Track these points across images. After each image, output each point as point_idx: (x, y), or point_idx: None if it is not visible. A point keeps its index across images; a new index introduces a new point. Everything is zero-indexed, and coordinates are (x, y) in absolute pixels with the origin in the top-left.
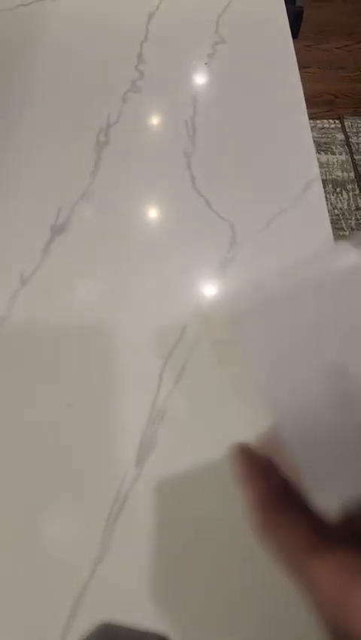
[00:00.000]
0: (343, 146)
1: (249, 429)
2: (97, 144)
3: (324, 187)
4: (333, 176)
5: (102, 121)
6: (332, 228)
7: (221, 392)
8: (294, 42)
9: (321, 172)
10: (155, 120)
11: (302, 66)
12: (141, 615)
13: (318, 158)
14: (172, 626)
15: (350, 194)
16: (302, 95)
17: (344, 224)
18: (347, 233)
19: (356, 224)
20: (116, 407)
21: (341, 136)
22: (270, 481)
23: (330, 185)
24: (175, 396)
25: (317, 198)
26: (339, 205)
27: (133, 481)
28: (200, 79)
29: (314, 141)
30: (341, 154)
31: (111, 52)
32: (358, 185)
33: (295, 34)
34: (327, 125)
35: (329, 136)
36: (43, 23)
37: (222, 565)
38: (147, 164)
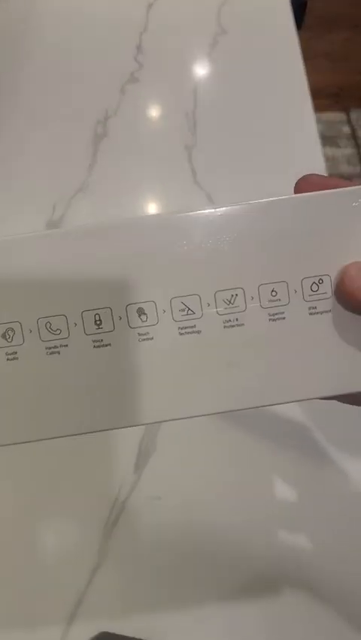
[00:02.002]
0: (349, 140)
1: (251, 434)
2: (94, 137)
3: None
4: (339, 171)
5: (100, 113)
6: None
7: None
8: (298, 33)
9: (326, 166)
10: (154, 112)
11: (306, 58)
12: (138, 624)
13: (323, 152)
14: (170, 635)
15: None
16: (307, 87)
17: None
18: None
19: None
20: None
21: (347, 129)
22: None
23: None
24: None
25: None
26: None
27: (131, 488)
28: (201, 70)
29: (319, 134)
30: (346, 147)
31: (110, 43)
32: None
33: (298, 24)
34: (333, 118)
35: (335, 129)
36: (41, 14)
37: (221, 573)
38: (147, 157)
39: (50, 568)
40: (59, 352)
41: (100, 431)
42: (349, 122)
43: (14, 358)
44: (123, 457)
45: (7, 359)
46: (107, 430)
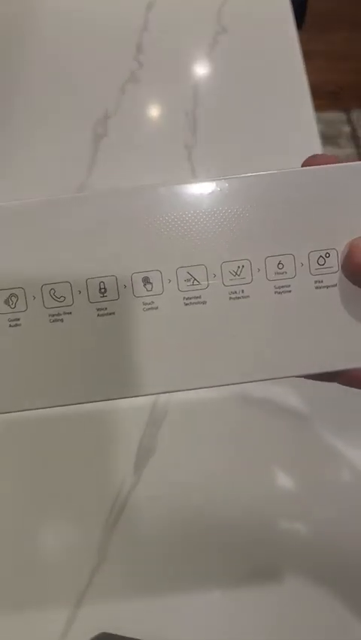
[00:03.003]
0: (349, 140)
1: (252, 433)
2: (94, 137)
3: None
4: None
5: (99, 113)
6: None
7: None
8: (298, 33)
9: None
10: (154, 112)
11: (306, 57)
12: (139, 624)
13: (324, 152)
14: (171, 635)
15: None
16: (307, 86)
17: None
18: None
19: None
20: (114, 411)
21: (347, 129)
22: None
23: None
24: (175, 401)
25: None
26: None
27: (132, 487)
28: (201, 69)
29: (320, 134)
30: (347, 147)
31: (109, 42)
32: None
33: (299, 24)
34: (333, 118)
35: (335, 129)
36: (41, 13)
37: (222, 572)
38: (146, 156)
39: (50, 568)
40: (62, 320)
41: (101, 401)
42: (349, 121)
43: (16, 325)
44: (123, 457)
45: (10, 325)
46: (109, 399)
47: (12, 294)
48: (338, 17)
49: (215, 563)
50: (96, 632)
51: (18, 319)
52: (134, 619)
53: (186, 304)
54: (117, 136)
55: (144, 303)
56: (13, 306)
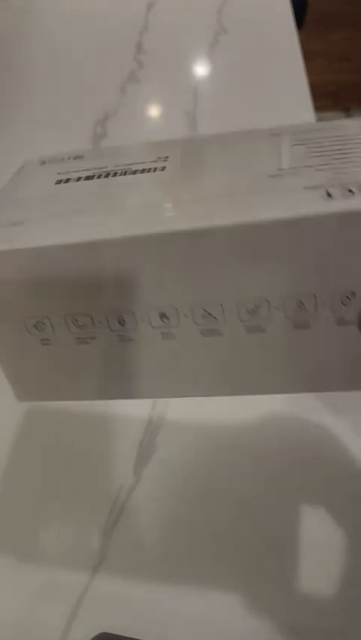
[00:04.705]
0: None
1: (252, 433)
2: (94, 136)
3: None
4: None
5: (99, 112)
6: None
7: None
8: (298, 33)
9: None
10: (154, 112)
11: (306, 57)
12: (139, 624)
13: None
14: (171, 636)
15: None
16: (307, 86)
17: None
18: None
19: None
20: (114, 412)
21: None
22: None
23: None
24: (175, 401)
25: None
26: None
27: (131, 489)
28: (201, 69)
29: None
30: None
31: (109, 42)
32: None
33: (299, 24)
34: (333, 118)
35: None
36: (41, 13)
37: (222, 573)
38: None
39: (50, 568)
40: (87, 342)
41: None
42: None
43: (47, 344)
44: (123, 458)
45: (42, 344)
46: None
47: (39, 322)
48: (338, 17)
49: (215, 563)
50: (96, 632)
51: (48, 339)
52: (134, 619)
53: (204, 335)
54: (117, 136)
55: (162, 332)
56: (41, 330)
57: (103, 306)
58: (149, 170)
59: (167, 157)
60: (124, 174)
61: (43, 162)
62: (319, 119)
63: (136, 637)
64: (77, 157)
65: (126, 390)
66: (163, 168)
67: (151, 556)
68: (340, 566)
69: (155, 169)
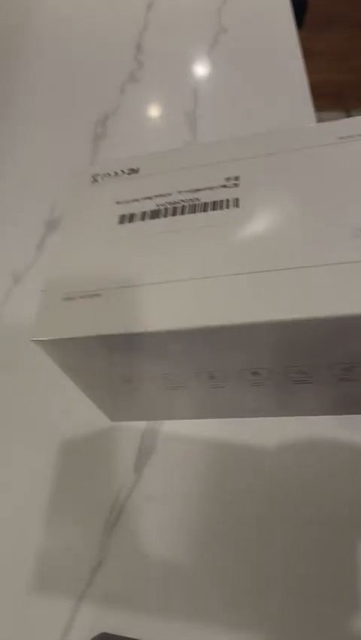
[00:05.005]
0: None
1: (252, 432)
2: (94, 137)
3: None
4: None
5: (99, 112)
6: None
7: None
8: (298, 32)
9: None
10: (154, 112)
11: (307, 57)
12: (139, 624)
13: None
14: (171, 636)
15: None
16: (307, 86)
17: None
18: None
19: None
20: None
21: None
22: None
23: None
24: None
25: None
26: None
27: (131, 488)
28: (201, 69)
29: None
30: None
31: (109, 42)
32: None
33: (299, 23)
34: (333, 118)
35: None
36: (41, 13)
37: (222, 573)
38: None
39: (50, 568)
40: (176, 389)
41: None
42: None
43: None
44: (123, 458)
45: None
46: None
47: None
48: (338, 17)
49: (215, 564)
50: (96, 632)
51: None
52: (134, 619)
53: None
54: (117, 136)
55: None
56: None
57: (194, 367)
58: (221, 206)
59: (237, 177)
60: (193, 211)
61: (95, 179)
62: (319, 119)
63: (136, 637)
64: (132, 170)
65: (185, 415)
66: (236, 202)
67: (151, 556)
68: (338, 565)
69: (227, 203)
